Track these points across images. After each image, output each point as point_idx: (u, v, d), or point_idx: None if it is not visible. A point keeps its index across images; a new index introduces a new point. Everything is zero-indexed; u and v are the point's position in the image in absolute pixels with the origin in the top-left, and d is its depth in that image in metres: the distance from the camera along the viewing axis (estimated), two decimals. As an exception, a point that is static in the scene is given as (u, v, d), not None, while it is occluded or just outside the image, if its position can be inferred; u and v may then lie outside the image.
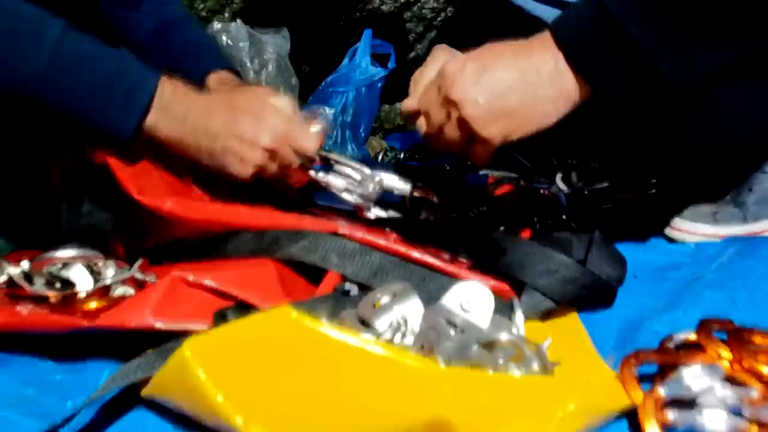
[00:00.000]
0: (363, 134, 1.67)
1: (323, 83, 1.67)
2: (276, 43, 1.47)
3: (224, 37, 1.35)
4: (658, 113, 0.76)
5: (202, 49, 0.98)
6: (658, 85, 0.66)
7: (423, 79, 0.78)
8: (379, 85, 1.69)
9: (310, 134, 0.77)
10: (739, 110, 0.84)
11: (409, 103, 0.80)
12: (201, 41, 1.01)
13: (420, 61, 2.02)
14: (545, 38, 0.68)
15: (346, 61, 1.69)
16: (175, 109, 0.72)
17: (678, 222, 0.94)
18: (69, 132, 0.73)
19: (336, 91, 1.65)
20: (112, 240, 0.82)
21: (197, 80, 0.88)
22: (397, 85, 1.78)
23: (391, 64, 1.70)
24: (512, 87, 0.68)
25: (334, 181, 0.82)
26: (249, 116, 0.74)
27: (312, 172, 0.82)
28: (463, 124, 0.72)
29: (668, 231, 0.96)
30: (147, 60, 0.87)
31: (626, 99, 0.68)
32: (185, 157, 0.75)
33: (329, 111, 1.49)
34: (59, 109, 0.69)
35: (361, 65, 1.67)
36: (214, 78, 0.92)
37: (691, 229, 0.93)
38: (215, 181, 0.79)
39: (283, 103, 0.78)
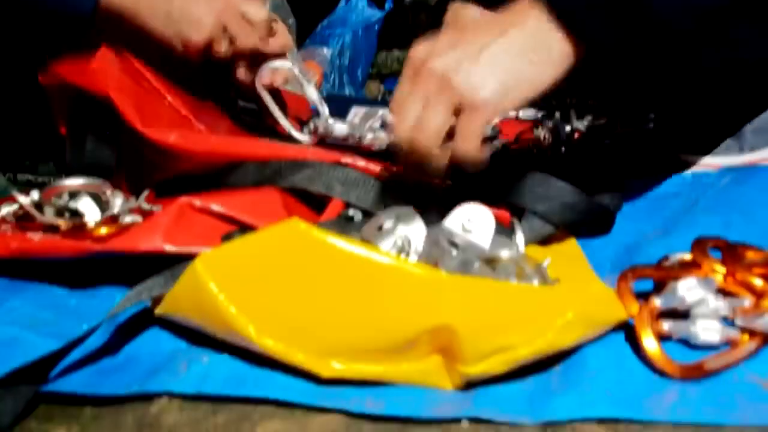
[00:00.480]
0: (360, 77, 1.67)
1: (320, 26, 1.66)
2: (273, -18, 1.46)
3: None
4: (653, 55, 0.74)
5: None
6: (652, 27, 0.63)
7: None
8: (376, 27, 1.68)
9: (258, 6, 0.78)
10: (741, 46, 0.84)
11: None
12: None
13: (418, 5, 2.01)
14: (523, 3, 0.62)
15: (342, 2, 1.68)
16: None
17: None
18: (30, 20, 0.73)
19: (332, 33, 1.64)
20: (116, 177, 0.83)
21: None
22: (393, 31, 1.77)
23: (388, 5, 1.69)
24: (496, 49, 0.60)
25: (336, 133, 0.81)
26: None
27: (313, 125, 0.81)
28: (447, 93, 0.60)
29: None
30: None
31: (620, 47, 0.63)
32: (142, 30, 0.75)
33: (327, 51, 1.48)
34: None
35: (358, 6, 1.66)
36: None
37: (689, 159, 0.95)
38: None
39: None
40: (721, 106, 0.99)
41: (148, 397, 0.53)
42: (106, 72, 0.75)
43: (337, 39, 1.63)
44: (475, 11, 0.73)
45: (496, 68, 0.59)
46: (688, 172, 0.94)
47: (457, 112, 0.60)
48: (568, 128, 1.12)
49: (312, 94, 0.83)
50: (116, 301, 0.64)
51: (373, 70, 1.81)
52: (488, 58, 0.59)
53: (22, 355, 0.56)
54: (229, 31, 0.77)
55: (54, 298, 0.64)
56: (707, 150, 0.95)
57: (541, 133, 1.09)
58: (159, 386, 0.53)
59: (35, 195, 0.64)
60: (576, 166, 0.91)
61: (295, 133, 0.80)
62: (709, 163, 0.94)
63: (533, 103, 1.17)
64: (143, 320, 0.60)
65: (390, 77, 1.89)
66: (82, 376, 0.55)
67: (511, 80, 0.60)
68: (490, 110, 0.60)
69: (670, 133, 1.05)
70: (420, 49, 0.62)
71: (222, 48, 0.78)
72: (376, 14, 1.65)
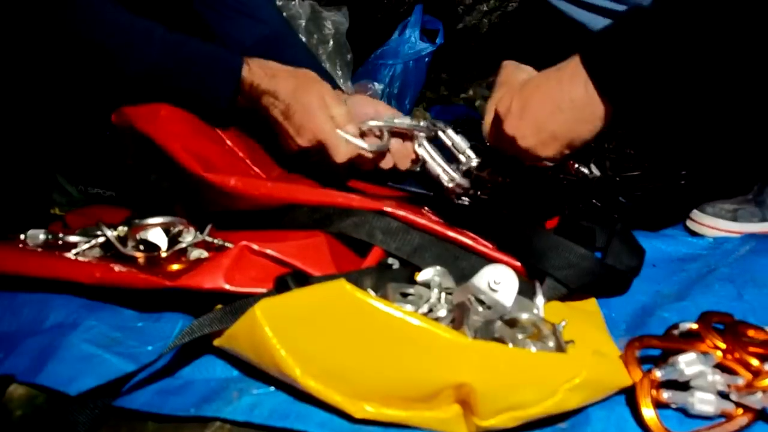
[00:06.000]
0: (408, 106, 1.73)
1: (372, 55, 1.72)
2: (335, 20, 1.53)
3: (284, 14, 1.42)
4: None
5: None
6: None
7: (493, 101, 0.87)
8: (426, 59, 1.74)
9: (342, 150, 0.86)
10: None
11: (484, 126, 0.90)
12: (309, 64, 1.06)
13: (469, 32, 2.07)
14: (574, 65, 0.75)
15: (396, 34, 1.74)
16: (252, 96, 0.85)
17: (700, 216, 1.00)
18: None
19: (384, 63, 1.71)
20: (177, 205, 0.92)
21: None
22: (443, 55, 1.83)
23: (439, 40, 1.75)
24: (551, 117, 0.77)
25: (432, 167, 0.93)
26: (299, 118, 0.86)
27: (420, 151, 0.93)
28: (522, 152, 0.82)
29: (690, 224, 1.02)
30: None
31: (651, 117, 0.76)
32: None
33: (378, 86, 1.55)
34: (168, 92, 0.83)
35: (410, 39, 1.72)
36: None
37: (712, 224, 0.99)
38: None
39: (340, 112, 0.87)
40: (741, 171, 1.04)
41: (203, 420, 0.61)
42: (171, 120, 0.84)
43: (389, 69, 1.70)
44: (525, 73, 0.87)
45: (551, 132, 0.78)
46: (710, 236, 0.98)
47: None
48: (600, 174, 1.17)
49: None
50: (178, 326, 0.73)
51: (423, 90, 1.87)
52: (544, 125, 0.78)
53: (97, 372, 0.65)
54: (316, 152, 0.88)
55: (124, 320, 0.73)
56: (728, 214, 1.00)
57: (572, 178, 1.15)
58: (213, 412, 0.61)
59: (121, 230, 0.73)
60: (603, 220, 0.96)
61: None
62: (732, 229, 0.98)
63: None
64: (200, 346, 0.68)
65: (435, 104, 1.96)
66: (146, 395, 0.63)
67: (564, 138, 0.79)
68: (555, 160, 0.82)
69: (696, 193, 1.10)
70: (500, 109, 0.82)
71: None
72: (427, 48, 1.71)
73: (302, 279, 0.69)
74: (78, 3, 0.78)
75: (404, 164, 0.93)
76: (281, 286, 0.67)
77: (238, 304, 0.65)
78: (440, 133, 0.93)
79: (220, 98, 0.85)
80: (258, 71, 0.86)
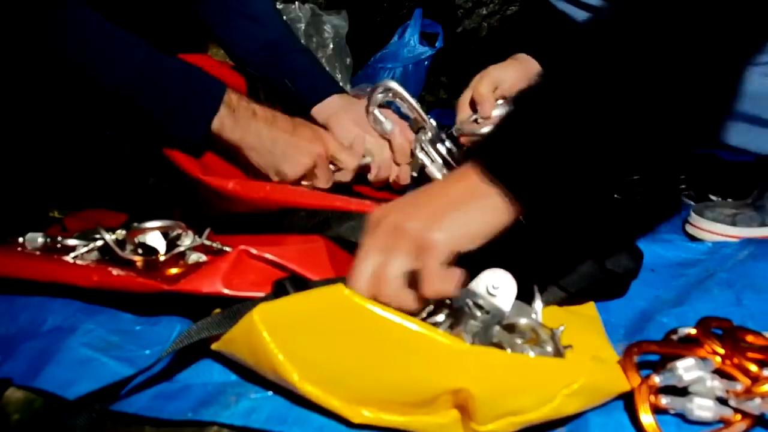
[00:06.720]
0: (407, 110, 1.74)
1: (372, 59, 1.73)
2: (335, 24, 1.53)
3: (284, 18, 1.42)
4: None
5: (317, 79, 1.08)
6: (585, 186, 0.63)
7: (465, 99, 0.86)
8: (426, 63, 1.74)
9: (350, 156, 0.92)
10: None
11: None
12: (316, 71, 1.10)
13: (468, 35, 2.07)
14: (467, 167, 0.63)
15: (395, 38, 1.75)
16: (240, 115, 0.83)
17: (699, 221, 1.00)
18: (148, 133, 0.84)
19: (384, 67, 1.71)
20: (175, 209, 0.92)
21: (312, 104, 1.05)
22: (442, 59, 1.83)
23: (438, 44, 1.75)
24: (444, 206, 0.61)
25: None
26: (308, 130, 0.88)
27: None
28: (402, 240, 0.60)
29: (689, 229, 1.02)
30: (254, 72, 1.04)
31: (555, 204, 0.63)
32: (244, 155, 0.87)
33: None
34: (140, 115, 0.80)
35: (410, 43, 1.72)
36: (336, 102, 1.05)
37: (711, 228, 0.99)
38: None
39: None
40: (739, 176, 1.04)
41: (200, 424, 0.61)
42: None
43: (388, 72, 1.71)
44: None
45: (442, 213, 0.60)
46: (709, 241, 0.98)
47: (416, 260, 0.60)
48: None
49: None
50: (175, 330, 0.73)
51: (422, 93, 1.88)
52: (435, 206, 0.61)
53: (95, 376, 0.65)
54: (317, 170, 0.89)
55: (121, 323, 0.73)
56: (727, 218, 1.00)
57: None
58: (210, 416, 0.60)
59: (121, 234, 0.73)
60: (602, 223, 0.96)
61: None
62: (731, 233, 0.98)
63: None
64: (198, 350, 0.68)
65: (435, 107, 1.96)
66: (143, 399, 0.63)
67: (457, 223, 0.60)
68: (442, 248, 0.59)
69: (695, 198, 1.09)
70: (377, 210, 0.64)
71: (309, 178, 0.90)
72: (426, 51, 1.72)
73: (301, 283, 0.68)
74: (57, 10, 0.75)
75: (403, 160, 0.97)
76: (279, 290, 0.67)
77: (236, 308, 0.65)
78: (438, 145, 0.94)
79: (200, 119, 0.81)
80: (244, 96, 0.85)
